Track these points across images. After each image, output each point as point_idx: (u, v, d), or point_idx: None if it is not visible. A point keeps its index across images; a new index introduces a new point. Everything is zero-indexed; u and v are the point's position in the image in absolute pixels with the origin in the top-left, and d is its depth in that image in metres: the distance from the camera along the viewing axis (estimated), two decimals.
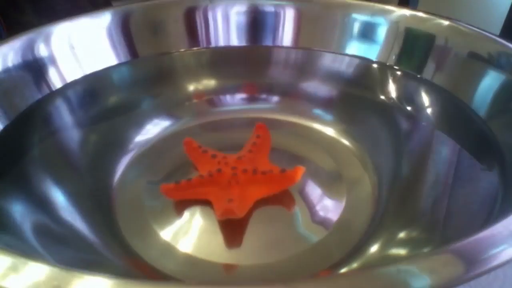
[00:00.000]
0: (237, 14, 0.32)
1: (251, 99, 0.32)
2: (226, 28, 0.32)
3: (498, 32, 0.43)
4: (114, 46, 0.30)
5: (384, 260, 0.20)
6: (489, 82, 0.24)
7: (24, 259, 0.11)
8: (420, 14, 0.28)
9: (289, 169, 0.24)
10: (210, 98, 0.32)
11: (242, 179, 0.23)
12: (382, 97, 0.29)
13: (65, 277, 0.11)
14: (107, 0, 0.39)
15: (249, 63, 0.33)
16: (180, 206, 0.23)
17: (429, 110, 0.26)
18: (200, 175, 0.24)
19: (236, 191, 0.23)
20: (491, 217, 0.18)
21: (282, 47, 0.32)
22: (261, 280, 0.20)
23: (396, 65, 0.29)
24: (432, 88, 0.27)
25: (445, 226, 0.20)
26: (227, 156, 0.25)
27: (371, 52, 0.30)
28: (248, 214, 0.22)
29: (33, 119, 0.25)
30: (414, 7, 0.45)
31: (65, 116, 0.26)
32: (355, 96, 0.30)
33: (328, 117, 0.30)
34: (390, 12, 0.29)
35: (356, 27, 0.30)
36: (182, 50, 0.31)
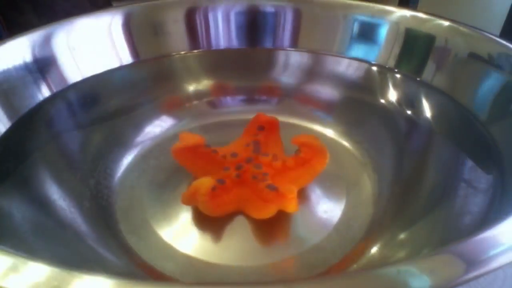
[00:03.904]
0: (237, 15, 0.32)
1: (252, 100, 0.32)
2: (227, 29, 0.32)
3: (498, 33, 0.43)
4: (115, 47, 0.30)
5: (384, 261, 0.20)
6: (489, 84, 0.24)
7: (24, 259, 0.11)
8: (420, 14, 0.28)
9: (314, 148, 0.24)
10: (211, 100, 0.32)
11: (272, 171, 0.23)
12: (382, 99, 0.29)
13: (65, 277, 0.11)
14: (107, 0, 0.39)
15: (249, 65, 0.33)
16: (180, 207, 0.23)
17: (428, 113, 0.26)
18: (224, 176, 0.23)
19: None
20: (490, 218, 0.18)
21: (282, 48, 0.32)
22: (261, 281, 0.20)
23: (396, 67, 0.29)
24: (432, 91, 0.27)
25: (445, 227, 0.20)
26: (223, 149, 0.25)
27: (371, 53, 0.30)
28: (248, 215, 0.23)
29: (35, 120, 0.25)
30: (414, 8, 0.45)
31: (66, 118, 0.26)
32: (355, 98, 0.30)
33: (328, 118, 0.30)
34: (390, 13, 0.29)
35: (356, 28, 0.30)
36: (183, 52, 0.31)
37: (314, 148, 0.24)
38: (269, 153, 0.24)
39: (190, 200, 0.22)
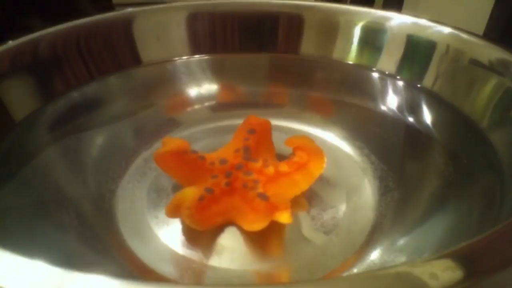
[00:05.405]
0: (240, 20, 0.32)
1: (254, 105, 0.32)
2: (229, 34, 0.32)
3: (481, 32, 0.43)
4: (117, 51, 0.30)
5: (384, 266, 0.19)
6: (490, 90, 0.24)
7: (24, 259, 0.11)
8: (422, 21, 0.29)
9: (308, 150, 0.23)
10: (212, 104, 0.32)
11: (263, 178, 0.22)
12: (383, 105, 0.29)
13: (65, 277, 0.11)
14: (110, 4, 0.40)
15: (252, 69, 0.33)
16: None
17: (429, 119, 0.26)
18: (212, 185, 0.21)
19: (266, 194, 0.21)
20: (489, 223, 0.18)
21: (284, 54, 0.32)
22: (261, 283, 0.20)
23: (397, 73, 0.29)
24: (433, 98, 0.27)
25: (445, 232, 0.20)
26: (211, 155, 0.24)
27: (372, 59, 0.30)
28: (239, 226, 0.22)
29: (37, 123, 0.25)
30: (399, 8, 0.45)
31: (68, 121, 0.26)
32: (356, 104, 0.30)
33: (329, 124, 0.30)
34: (391, 19, 0.29)
35: (357, 34, 0.31)
36: (185, 57, 0.32)
37: (309, 151, 0.23)
38: (258, 159, 0.23)
39: (174, 213, 0.21)
